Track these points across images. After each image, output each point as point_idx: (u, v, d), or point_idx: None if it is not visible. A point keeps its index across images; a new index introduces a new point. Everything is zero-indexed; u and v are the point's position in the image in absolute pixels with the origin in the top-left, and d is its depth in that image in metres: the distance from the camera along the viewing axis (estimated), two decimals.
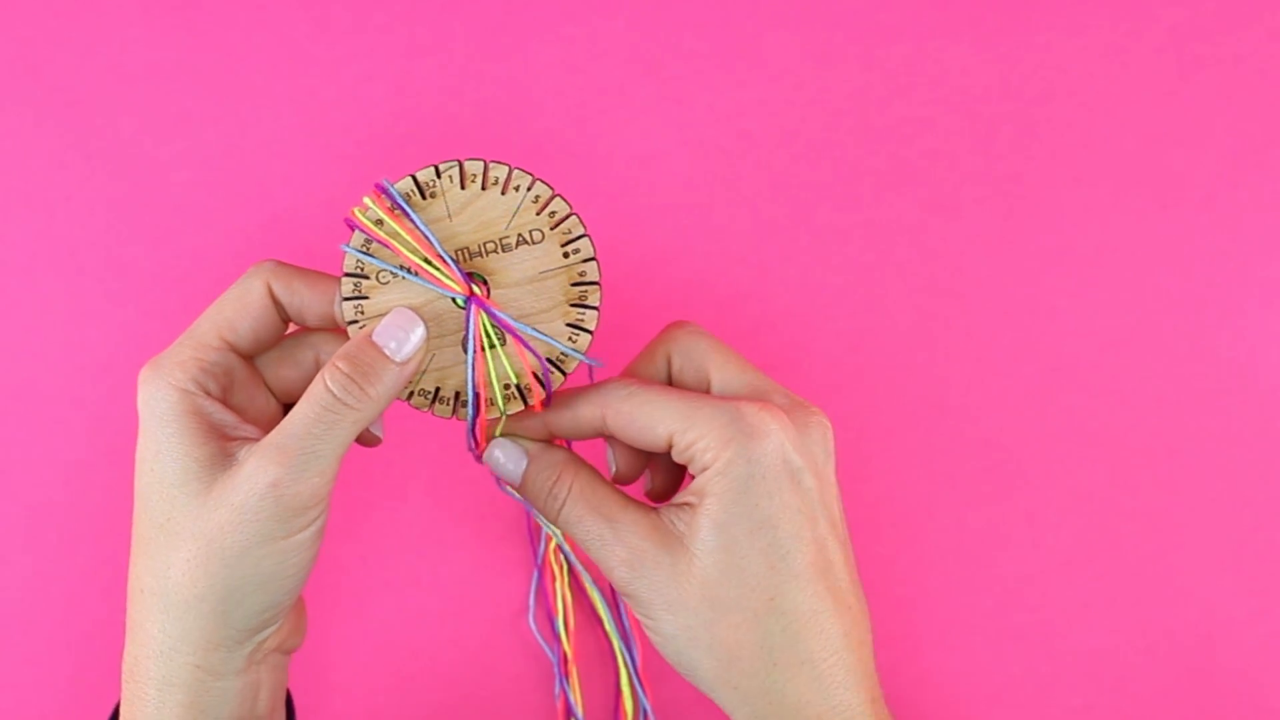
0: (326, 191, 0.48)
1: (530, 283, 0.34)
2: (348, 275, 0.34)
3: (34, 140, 0.48)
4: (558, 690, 0.45)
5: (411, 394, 0.34)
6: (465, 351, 0.34)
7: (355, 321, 0.34)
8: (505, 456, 0.36)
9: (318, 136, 0.49)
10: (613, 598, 0.46)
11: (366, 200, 0.34)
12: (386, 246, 0.33)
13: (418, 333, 0.33)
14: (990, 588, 0.47)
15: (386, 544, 0.46)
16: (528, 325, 0.34)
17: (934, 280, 0.49)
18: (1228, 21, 0.50)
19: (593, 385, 0.35)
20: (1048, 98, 0.50)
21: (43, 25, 0.49)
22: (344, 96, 0.49)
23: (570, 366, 0.34)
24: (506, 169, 0.34)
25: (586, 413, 0.35)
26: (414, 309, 0.33)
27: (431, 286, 0.33)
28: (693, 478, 0.34)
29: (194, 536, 0.32)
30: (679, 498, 0.34)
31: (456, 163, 0.34)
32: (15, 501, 0.46)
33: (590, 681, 0.45)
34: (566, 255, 0.34)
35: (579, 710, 0.45)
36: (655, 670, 0.46)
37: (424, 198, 0.34)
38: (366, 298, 0.34)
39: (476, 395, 0.34)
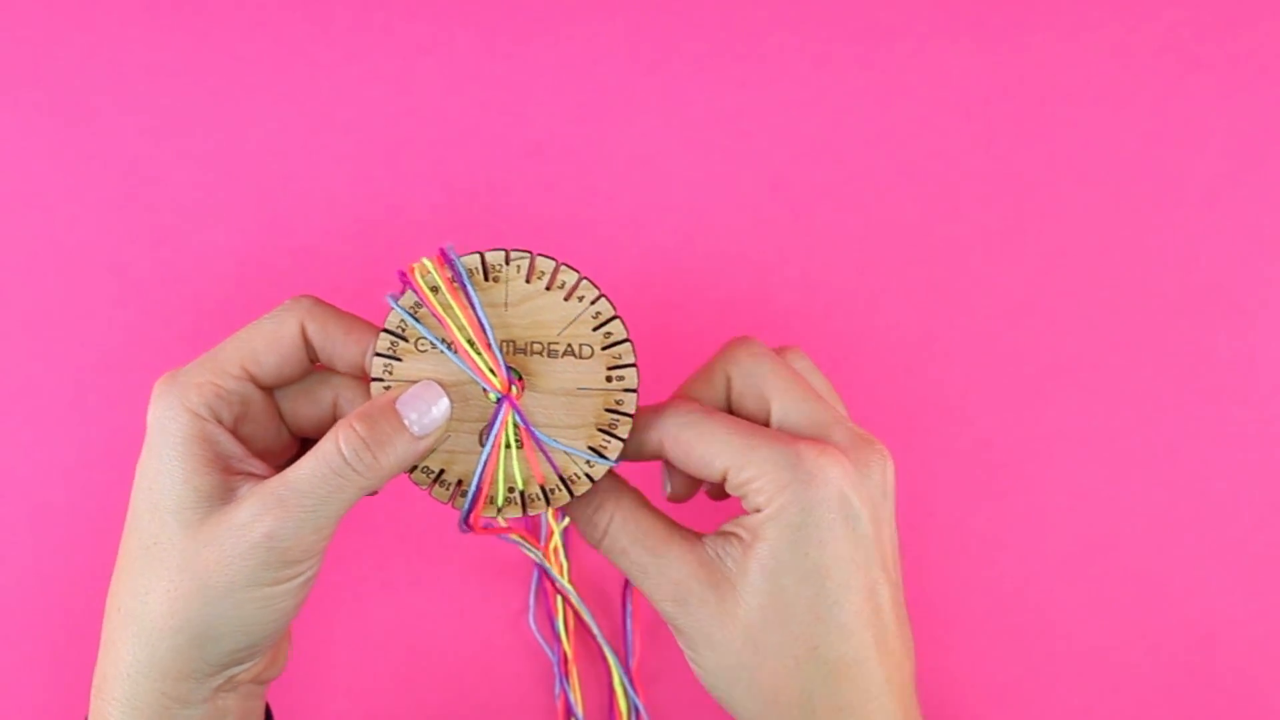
0: (327, 191, 0.48)
1: (566, 395, 0.33)
2: (387, 331, 0.33)
3: (34, 140, 0.48)
4: (558, 690, 0.45)
5: (414, 468, 0.34)
6: (481, 444, 0.33)
7: (381, 380, 0.33)
8: None
9: (318, 136, 0.49)
10: (623, 601, 0.46)
11: (426, 263, 0.33)
12: (436, 318, 0.33)
13: (441, 411, 0.33)
14: (990, 588, 0.47)
15: (387, 544, 0.46)
16: (552, 437, 0.33)
17: (934, 280, 0.49)
18: (1228, 21, 0.50)
19: (653, 407, 0.34)
20: (1048, 98, 0.50)
21: (43, 25, 0.49)
22: (344, 96, 0.49)
23: (580, 489, 0.34)
24: (576, 276, 0.33)
25: (646, 437, 0.34)
26: (443, 385, 0.33)
27: (472, 375, 0.33)
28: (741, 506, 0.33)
29: (179, 567, 0.31)
30: (727, 527, 0.33)
31: (528, 254, 0.33)
32: (14, 502, 0.46)
33: (590, 681, 0.46)
34: (609, 380, 0.33)
35: (579, 710, 0.45)
36: (648, 671, 0.46)
37: (485, 279, 0.33)
38: (399, 360, 0.33)
39: (479, 491, 0.33)
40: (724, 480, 0.33)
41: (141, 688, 0.32)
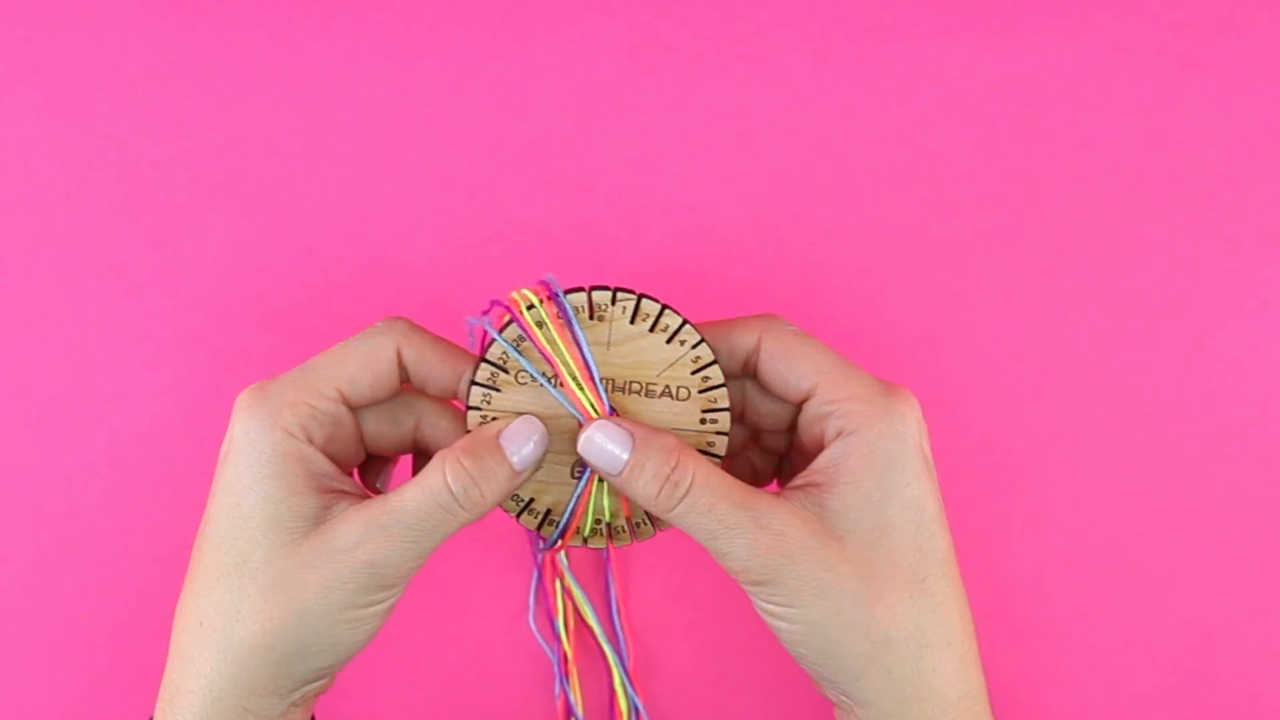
0: (326, 191, 0.49)
1: None
2: (487, 362, 0.33)
3: (34, 140, 0.48)
4: (558, 690, 0.45)
5: None
6: (573, 477, 0.34)
7: (479, 409, 0.33)
8: (607, 441, 0.32)
9: (317, 136, 0.49)
10: (607, 600, 0.46)
11: (530, 295, 0.33)
12: (543, 354, 0.33)
13: (540, 446, 0.33)
14: (990, 588, 0.47)
15: None
16: None
17: (933, 279, 0.49)
18: (1228, 21, 0.50)
19: (742, 318, 0.35)
20: (1048, 98, 0.50)
21: (43, 25, 0.49)
22: (344, 96, 0.49)
23: (664, 525, 0.34)
24: (680, 320, 0.34)
25: (741, 339, 0.34)
26: (539, 417, 0.33)
27: (575, 413, 0.33)
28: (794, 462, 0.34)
29: (275, 587, 0.31)
30: (801, 479, 0.33)
31: (635, 296, 0.34)
32: (15, 503, 0.46)
33: (590, 681, 0.46)
34: (703, 422, 0.34)
35: (579, 710, 0.45)
36: (647, 670, 0.46)
37: (590, 317, 0.34)
38: (498, 390, 0.33)
39: (568, 523, 0.34)
40: (804, 399, 0.33)
41: (223, 703, 0.32)
